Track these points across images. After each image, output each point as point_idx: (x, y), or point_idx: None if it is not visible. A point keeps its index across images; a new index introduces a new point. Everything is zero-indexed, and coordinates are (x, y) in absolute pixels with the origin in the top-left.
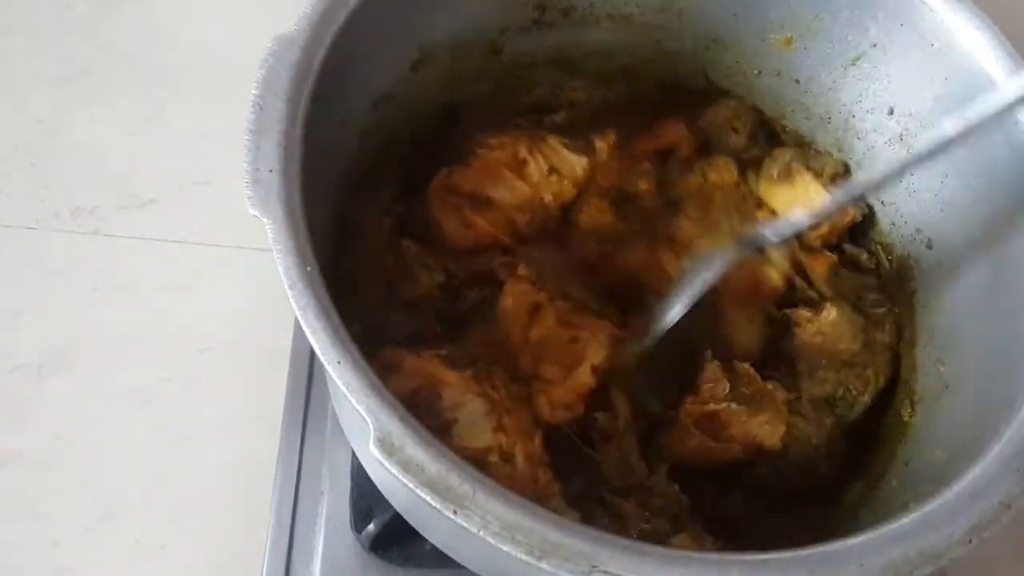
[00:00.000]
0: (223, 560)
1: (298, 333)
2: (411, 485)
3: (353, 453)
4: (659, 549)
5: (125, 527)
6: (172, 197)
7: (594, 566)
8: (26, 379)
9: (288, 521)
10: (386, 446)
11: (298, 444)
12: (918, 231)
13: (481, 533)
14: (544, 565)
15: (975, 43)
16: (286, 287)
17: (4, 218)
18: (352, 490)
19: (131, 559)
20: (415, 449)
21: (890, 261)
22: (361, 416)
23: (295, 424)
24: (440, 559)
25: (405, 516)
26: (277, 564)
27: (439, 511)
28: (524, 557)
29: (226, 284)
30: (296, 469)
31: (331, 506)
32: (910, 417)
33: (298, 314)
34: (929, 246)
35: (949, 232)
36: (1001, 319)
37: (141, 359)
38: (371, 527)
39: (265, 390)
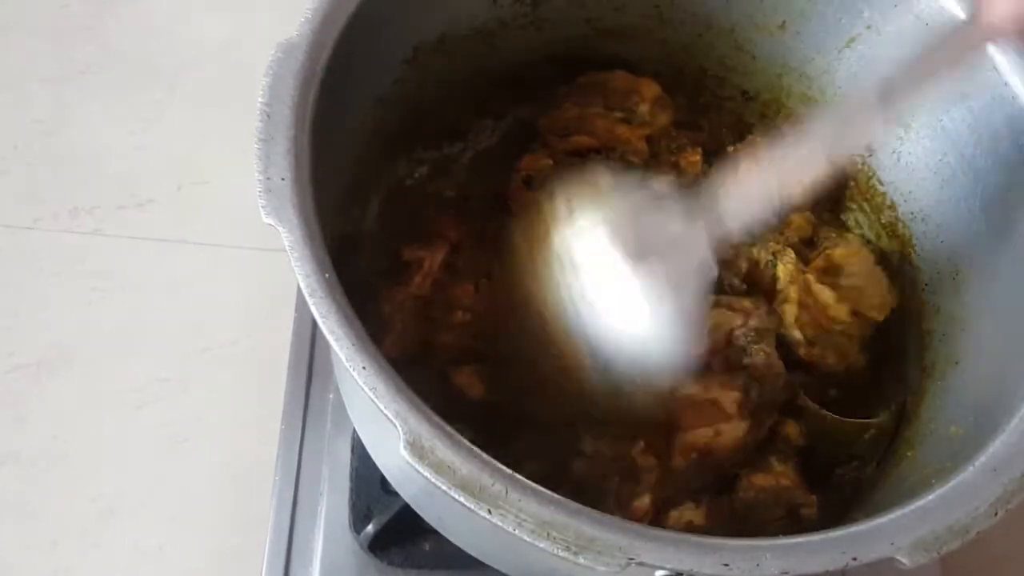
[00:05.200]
0: (222, 560)
1: (298, 332)
2: (444, 487)
3: (352, 454)
4: (694, 538)
5: (124, 527)
6: (170, 197)
7: (630, 559)
8: (25, 379)
9: (287, 521)
10: (416, 449)
11: (297, 444)
12: (919, 210)
13: (516, 532)
14: (581, 560)
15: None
16: (306, 295)
17: (3, 218)
18: (351, 491)
19: (130, 559)
20: (446, 451)
21: (891, 241)
22: (389, 420)
23: (294, 424)
24: (439, 560)
25: (426, 517)
26: (276, 564)
27: (472, 511)
28: (561, 553)
29: (225, 284)
30: (295, 469)
31: (330, 507)
32: (920, 395)
33: (319, 321)
34: (928, 223)
35: (950, 210)
36: (1007, 293)
37: (140, 359)
38: (370, 528)
39: (264, 390)
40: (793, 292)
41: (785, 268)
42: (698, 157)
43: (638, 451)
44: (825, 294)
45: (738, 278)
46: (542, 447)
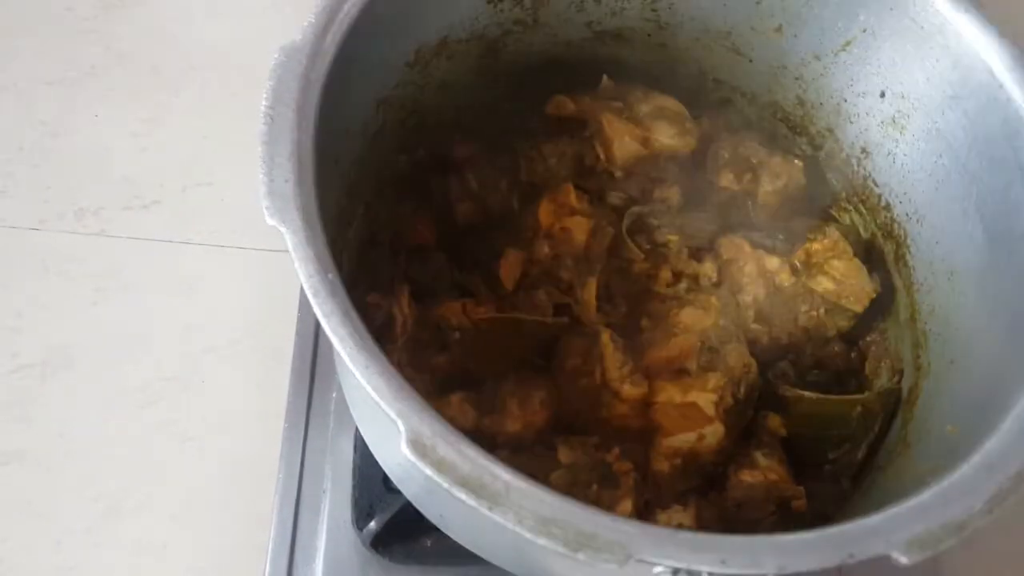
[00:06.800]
0: (225, 559)
1: (301, 332)
2: (445, 485)
3: (355, 452)
4: (692, 535)
5: (127, 526)
6: (175, 198)
7: (629, 555)
8: (29, 379)
9: (290, 519)
10: (418, 447)
11: (300, 443)
12: (914, 211)
13: (517, 528)
14: (580, 556)
15: (965, 24)
16: (309, 295)
17: (8, 219)
18: (354, 488)
19: (133, 558)
20: (447, 449)
21: (886, 241)
22: (391, 419)
23: (297, 423)
24: (441, 556)
25: (427, 515)
26: (280, 562)
27: (473, 509)
28: (561, 549)
29: (228, 284)
30: (298, 467)
31: (333, 504)
32: (916, 393)
33: (322, 321)
34: (923, 224)
35: (944, 211)
36: (1002, 294)
37: (144, 359)
38: (372, 525)
39: (268, 389)
40: (760, 287)
41: (757, 263)
42: (675, 193)
43: (613, 457)
44: (800, 286)
45: (710, 274)
46: (520, 464)
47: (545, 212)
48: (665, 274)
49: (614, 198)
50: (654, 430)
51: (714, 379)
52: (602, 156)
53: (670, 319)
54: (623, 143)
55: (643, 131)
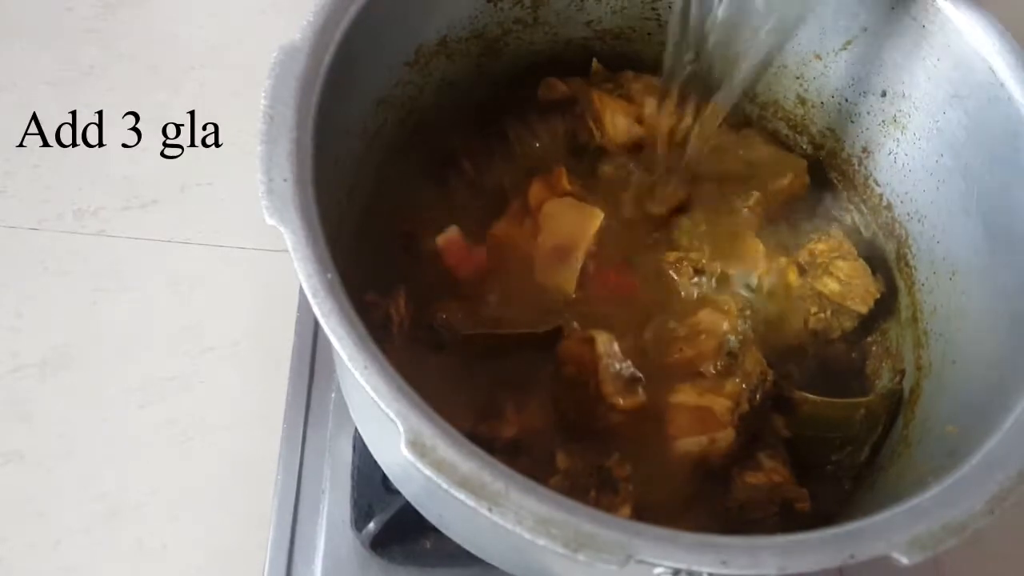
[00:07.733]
0: (225, 559)
1: (300, 332)
2: (445, 485)
3: (354, 452)
4: (692, 536)
5: (127, 526)
6: (174, 198)
7: (629, 555)
8: (29, 379)
9: (289, 520)
10: (418, 448)
11: (299, 443)
12: (915, 211)
13: (517, 529)
14: (580, 557)
15: (966, 22)
16: (308, 295)
17: (7, 219)
18: (353, 489)
19: (133, 558)
20: (447, 450)
21: (888, 241)
22: (391, 419)
23: (297, 423)
24: (439, 557)
25: (426, 515)
26: (278, 563)
27: (473, 509)
28: (560, 550)
29: (228, 284)
30: (297, 468)
31: (332, 505)
32: (917, 393)
33: (322, 321)
34: (924, 224)
35: (946, 211)
36: (1003, 293)
37: (143, 359)
38: (371, 526)
39: (267, 389)
40: (766, 283)
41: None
42: (676, 202)
43: (613, 462)
44: (807, 287)
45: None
46: (517, 469)
47: (536, 194)
48: (679, 276)
49: (607, 172)
50: (659, 432)
51: (731, 384)
52: (595, 132)
53: (687, 320)
54: (615, 118)
55: (636, 108)
